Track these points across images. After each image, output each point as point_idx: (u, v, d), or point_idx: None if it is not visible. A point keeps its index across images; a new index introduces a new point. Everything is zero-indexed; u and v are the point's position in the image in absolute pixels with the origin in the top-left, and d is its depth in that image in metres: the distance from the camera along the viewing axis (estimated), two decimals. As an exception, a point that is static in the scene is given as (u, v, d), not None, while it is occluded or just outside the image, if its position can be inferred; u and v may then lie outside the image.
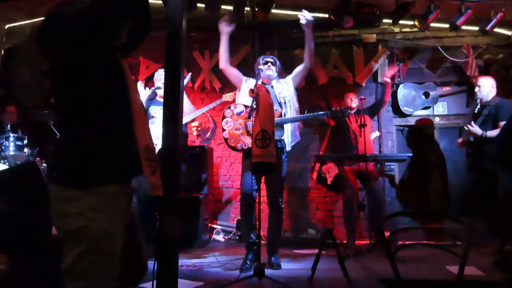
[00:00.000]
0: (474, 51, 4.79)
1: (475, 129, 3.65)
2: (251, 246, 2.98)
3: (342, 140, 4.31)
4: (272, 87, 3.19)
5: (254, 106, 2.55)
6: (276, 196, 3.08)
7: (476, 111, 3.86)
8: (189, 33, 5.17)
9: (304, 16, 3.11)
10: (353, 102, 4.32)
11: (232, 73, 3.31)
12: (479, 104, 3.87)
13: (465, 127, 3.78)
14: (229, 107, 3.15)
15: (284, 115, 3.13)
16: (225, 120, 3.10)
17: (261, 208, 2.58)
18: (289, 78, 3.31)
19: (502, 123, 3.54)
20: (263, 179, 3.08)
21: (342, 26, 4.69)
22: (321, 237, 3.09)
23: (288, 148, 3.20)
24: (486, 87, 3.78)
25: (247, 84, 3.25)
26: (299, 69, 3.30)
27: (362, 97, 4.22)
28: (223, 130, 3.09)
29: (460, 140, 4.02)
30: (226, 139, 3.08)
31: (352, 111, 4.28)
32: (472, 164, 3.88)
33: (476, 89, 3.85)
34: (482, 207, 3.74)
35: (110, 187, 1.20)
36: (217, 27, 3.24)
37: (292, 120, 3.15)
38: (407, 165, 4.93)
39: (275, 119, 2.76)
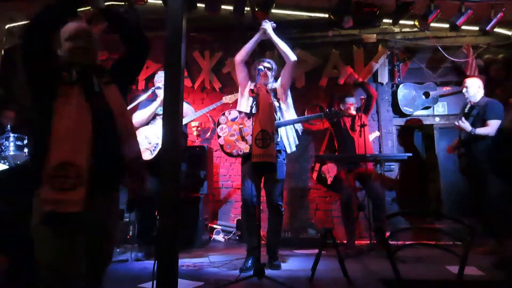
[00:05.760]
0: (474, 51, 4.79)
1: (465, 125, 3.64)
2: (253, 251, 2.95)
3: (340, 140, 4.29)
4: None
5: (254, 107, 2.55)
6: (276, 199, 3.06)
7: (466, 111, 3.85)
8: (189, 33, 5.16)
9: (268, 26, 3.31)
10: (352, 110, 4.20)
11: (242, 72, 3.24)
12: (469, 104, 3.85)
13: (455, 123, 3.78)
14: (224, 114, 3.12)
15: (279, 120, 3.11)
16: (220, 126, 3.08)
17: (261, 208, 2.58)
18: (277, 83, 3.25)
19: (490, 122, 3.58)
20: (262, 184, 3.05)
21: (342, 26, 4.68)
22: (321, 237, 3.08)
23: (289, 150, 3.17)
24: (473, 88, 3.78)
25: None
26: (282, 70, 3.24)
27: (362, 97, 4.21)
28: (219, 136, 3.06)
29: (448, 146, 4.04)
30: (221, 146, 3.05)
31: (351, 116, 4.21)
32: (464, 165, 3.86)
33: (464, 90, 3.85)
34: (475, 208, 3.73)
35: None
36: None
37: (286, 123, 3.13)
38: (407, 165, 4.92)
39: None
